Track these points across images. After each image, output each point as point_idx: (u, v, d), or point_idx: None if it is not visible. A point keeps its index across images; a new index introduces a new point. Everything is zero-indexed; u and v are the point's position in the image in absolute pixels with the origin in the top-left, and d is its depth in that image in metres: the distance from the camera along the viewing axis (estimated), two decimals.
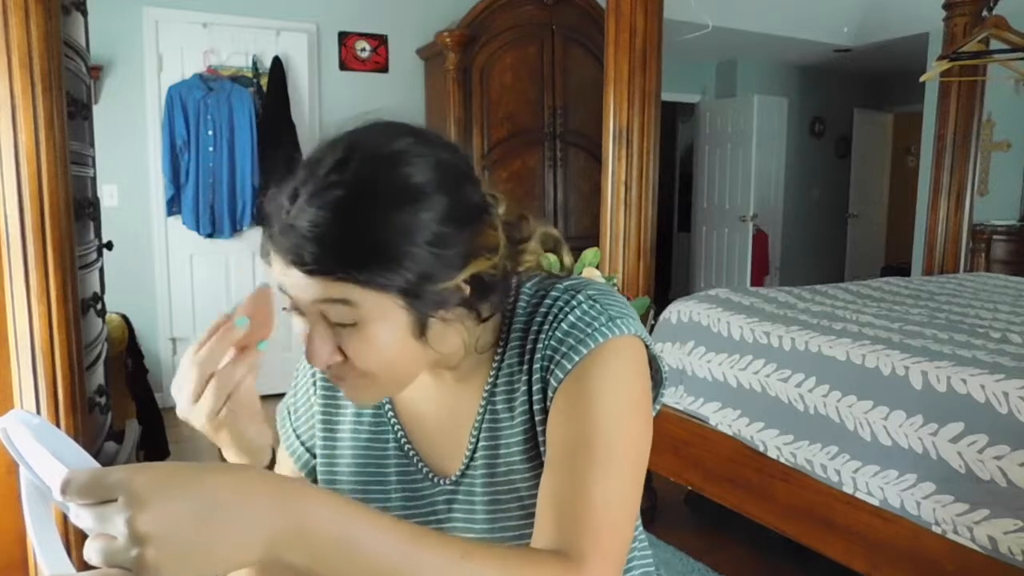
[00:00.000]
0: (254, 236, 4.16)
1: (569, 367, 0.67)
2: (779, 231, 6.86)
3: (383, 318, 0.63)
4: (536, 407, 0.70)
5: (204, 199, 3.98)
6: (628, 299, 2.72)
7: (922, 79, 3.69)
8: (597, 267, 2.72)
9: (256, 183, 4.06)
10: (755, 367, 2.18)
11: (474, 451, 0.75)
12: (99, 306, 1.91)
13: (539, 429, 0.71)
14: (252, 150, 4.02)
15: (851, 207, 7.46)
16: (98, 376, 1.85)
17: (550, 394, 0.68)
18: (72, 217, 1.56)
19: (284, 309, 0.68)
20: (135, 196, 3.99)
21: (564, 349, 0.68)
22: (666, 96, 3.01)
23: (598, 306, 0.70)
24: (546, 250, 0.77)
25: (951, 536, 1.64)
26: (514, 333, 0.74)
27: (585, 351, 0.67)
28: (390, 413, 0.80)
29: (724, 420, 2.26)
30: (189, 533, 0.44)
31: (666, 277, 7.31)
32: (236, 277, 4.25)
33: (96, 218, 1.98)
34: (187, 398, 0.66)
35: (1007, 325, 2.23)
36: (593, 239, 2.90)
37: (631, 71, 2.65)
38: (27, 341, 1.50)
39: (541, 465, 0.69)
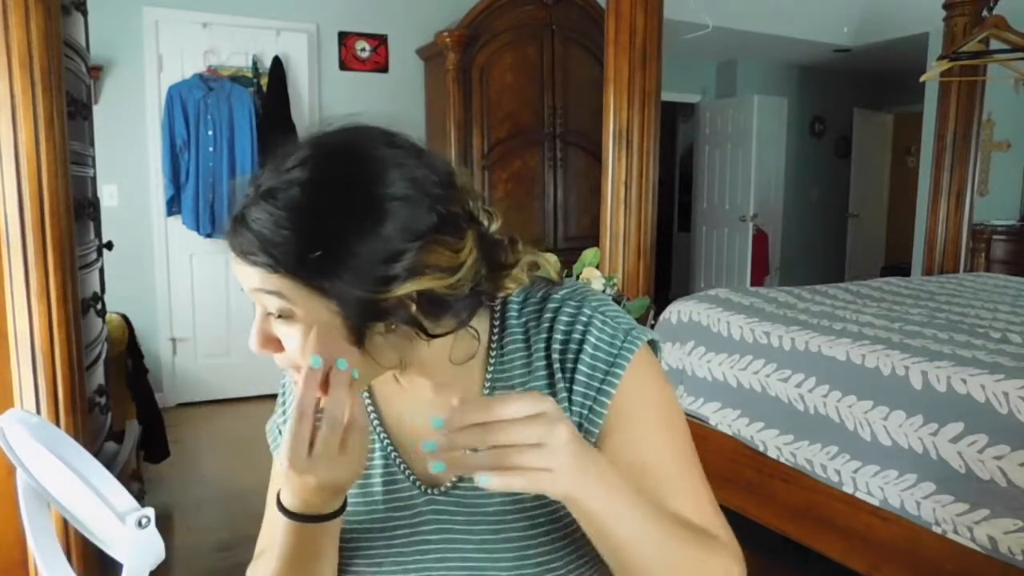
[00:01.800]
0: None
1: (607, 402, 0.70)
2: (779, 231, 6.85)
3: (316, 320, 0.62)
4: None
5: (204, 199, 3.98)
6: (628, 299, 2.72)
7: (922, 79, 3.68)
8: (597, 267, 2.72)
9: None
10: (755, 367, 2.18)
11: None
12: (99, 306, 1.91)
13: None
14: (252, 150, 4.02)
15: (851, 207, 7.46)
16: (98, 376, 1.85)
17: (595, 432, 0.71)
18: (72, 217, 1.56)
19: (242, 290, 0.68)
20: (135, 196, 3.99)
21: (599, 376, 0.70)
22: (666, 96, 3.01)
23: (611, 323, 0.72)
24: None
25: (951, 536, 1.64)
26: (510, 343, 0.73)
27: (617, 383, 0.70)
28: (376, 421, 0.79)
29: (724, 420, 2.26)
30: (585, 453, 0.57)
31: (666, 277, 7.31)
32: (236, 277, 4.24)
33: (96, 218, 1.98)
34: (299, 451, 0.61)
35: (1007, 325, 2.23)
36: (593, 239, 2.90)
37: (631, 71, 2.65)
38: (27, 341, 1.50)
39: None
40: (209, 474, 3.20)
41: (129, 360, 2.74)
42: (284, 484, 0.65)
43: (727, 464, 2.24)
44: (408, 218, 0.61)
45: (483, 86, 4.25)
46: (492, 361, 0.74)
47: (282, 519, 0.66)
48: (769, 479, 2.12)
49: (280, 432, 0.86)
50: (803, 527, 2.04)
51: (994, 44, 3.38)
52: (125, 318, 2.79)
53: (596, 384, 0.70)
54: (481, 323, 0.73)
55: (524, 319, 0.74)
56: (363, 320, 0.62)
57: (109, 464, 1.83)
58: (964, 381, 1.67)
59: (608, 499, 0.59)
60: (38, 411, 1.51)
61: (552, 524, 0.71)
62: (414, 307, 0.63)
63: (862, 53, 6.15)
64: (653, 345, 0.75)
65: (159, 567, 0.60)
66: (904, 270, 5.84)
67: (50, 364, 1.52)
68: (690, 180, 7.19)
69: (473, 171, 4.26)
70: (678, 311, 2.54)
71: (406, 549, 0.74)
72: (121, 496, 0.57)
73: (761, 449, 2.14)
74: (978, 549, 1.59)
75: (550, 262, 0.79)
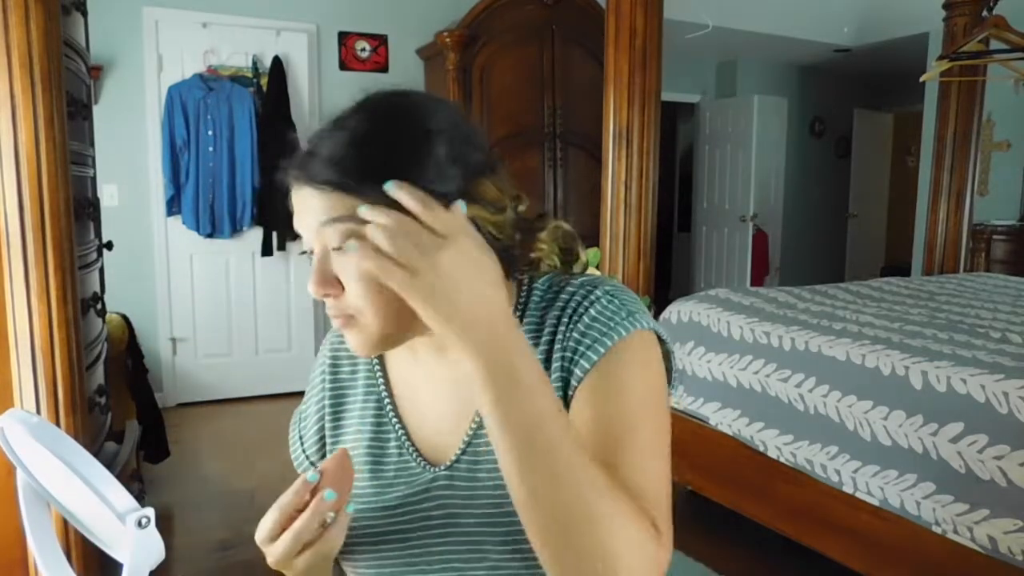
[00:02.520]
0: (254, 236, 4.16)
1: (595, 358, 0.69)
2: (779, 231, 6.85)
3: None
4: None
5: (204, 199, 3.98)
6: None
7: (922, 79, 3.69)
8: (597, 267, 2.72)
9: (256, 183, 4.06)
10: (755, 367, 2.18)
11: (470, 440, 0.75)
12: (99, 306, 1.91)
13: None
14: (252, 150, 4.02)
15: (851, 207, 7.46)
16: (98, 376, 1.85)
17: (573, 383, 0.70)
18: (72, 217, 1.56)
19: (302, 253, 0.71)
20: (135, 196, 3.99)
21: (587, 342, 0.70)
22: (666, 96, 3.01)
23: (616, 301, 0.72)
24: (561, 247, 0.80)
25: (951, 536, 1.64)
26: (527, 326, 0.75)
27: (609, 343, 0.69)
28: (390, 411, 0.81)
29: (724, 420, 2.26)
30: (468, 273, 0.58)
31: (666, 277, 7.31)
32: (236, 277, 4.25)
33: (96, 218, 1.98)
34: (283, 557, 0.66)
35: (1007, 325, 2.23)
36: (593, 239, 2.90)
37: (631, 71, 2.65)
38: (27, 341, 1.50)
39: None
40: (209, 474, 3.20)
41: (129, 360, 2.75)
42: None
43: (727, 464, 2.25)
44: (460, 152, 0.67)
45: (483, 86, 4.25)
46: None
47: None
48: (769, 479, 2.12)
49: (299, 419, 0.89)
50: (803, 527, 2.04)
51: (994, 44, 3.38)
52: (125, 318, 2.79)
53: (583, 348, 0.70)
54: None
55: (544, 304, 0.76)
56: None
57: (109, 464, 1.83)
58: (964, 381, 1.67)
59: (488, 355, 0.57)
60: (38, 411, 1.51)
61: None
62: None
63: (862, 53, 6.15)
64: (664, 347, 0.75)
65: (159, 567, 0.60)
66: (904, 270, 5.84)
67: (50, 364, 1.52)
68: (690, 180, 7.19)
69: None
70: (678, 311, 2.54)
71: (410, 526, 0.76)
72: (121, 496, 0.57)
73: (761, 449, 2.14)
74: (978, 549, 1.59)
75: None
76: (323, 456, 0.85)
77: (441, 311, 0.57)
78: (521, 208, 0.73)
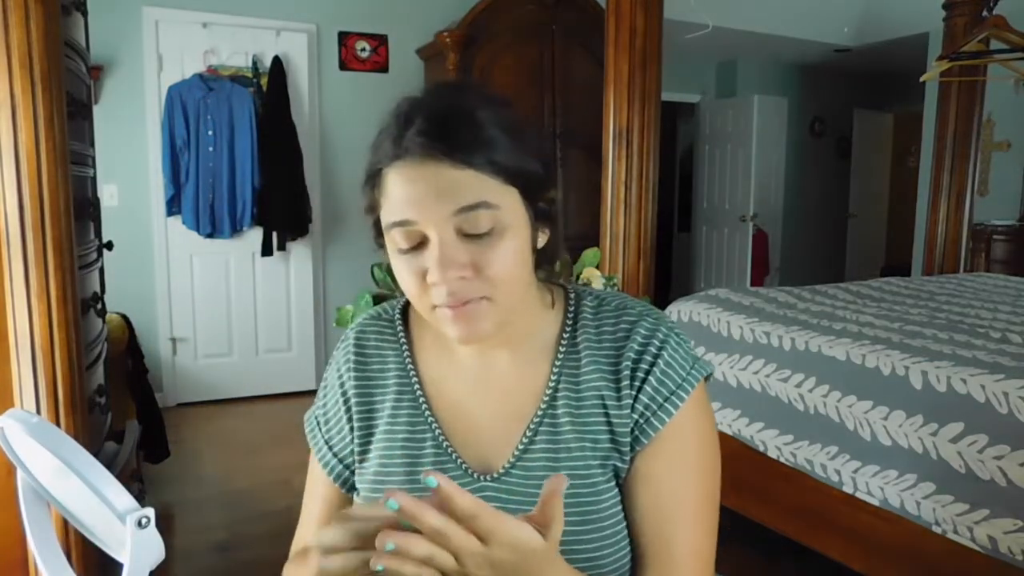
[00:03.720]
0: (254, 236, 4.16)
1: (666, 419, 0.74)
2: (779, 231, 6.85)
3: (514, 223, 0.69)
4: (619, 428, 0.75)
5: (204, 199, 3.98)
6: None
7: (922, 79, 3.68)
8: (597, 267, 2.72)
9: (256, 183, 4.06)
10: (755, 367, 2.18)
11: (525, 449, 0.75)
12: (99, 306, 1.91)
13: (616, 443, 0.75)
14: (252, 150, 4.02)
15: (851, 207, 7.46)
16: (98, 376, 1.85)
17: (643, 440, 0.74)
18: (72, 217, 1.56)
19: (400, 251, 0.70)
20: (135, 196, 3.99)
21: (659, 400, 0.74)
22: (666, 96, 3.01)
23: (683, 348, 0.78)
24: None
25: (951, 536, 1.64)
26: (585, 338, 0.78)
27: (680, 403, 0.74)
28: (427, 412, 0.79)
29: (724, 420, 2.26)
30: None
31: (666, 277, 7.31)
32: (236, 277, 4.25)
33: (96, 218, 1.98)
34: (328, 545, 0.59)
35: (1007, 325, 2.23)
36: (593, 239, 2.90)
37: (631, 71, 2.65)
38: (27, 341, 1.50)
39: (609, 477, 0.75)
40: (209, 474, 3.20)
41: (129, 360, 2.74)
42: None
43: (727, 464, 2.23)
44: (536, 139, 0.74)
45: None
46: (562, 350, 0.78)
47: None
48: (769, 479, 2.12)
49: (318, 424, 0.85)
50: (803, 527, 2.04)
51: (994, 44, 3.38)
52: (125, 318, 2.79)
53: (660, 400, 0.74)
54: (556, 313, 0.80)
55: (599, 320, 0.79)
56: (535, 215, 0.72)
57: (109, 464, 1.83)
58: (964, 381, 1.67)
59: None
60: (38, 411, 1.51)
61: (601, 518, 0.73)
62: (551, 215, 0.75)
63: (862, 53, 6.15)
64: (707, 378, 0.80)
65: (159, 567, 0.60)
66: (904, 270, 5.84)
67: (50, 364, 1.52)
68: (690, 180, 7.19)
69: None
70: (678, 311, 2.54)
71: None
72: (121, 496, 0.57)
73: (761, 449, 2.14)
74: (978, 549, 1.59)
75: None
76: (358, 456, 0.81)
77: None
78: (556, 206, 0.78)
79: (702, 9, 4.58)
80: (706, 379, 0.78)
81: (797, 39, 5.71)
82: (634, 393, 0.74)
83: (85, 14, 1.95)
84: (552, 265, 0.79)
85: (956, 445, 1.63)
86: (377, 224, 0.73)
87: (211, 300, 4.21)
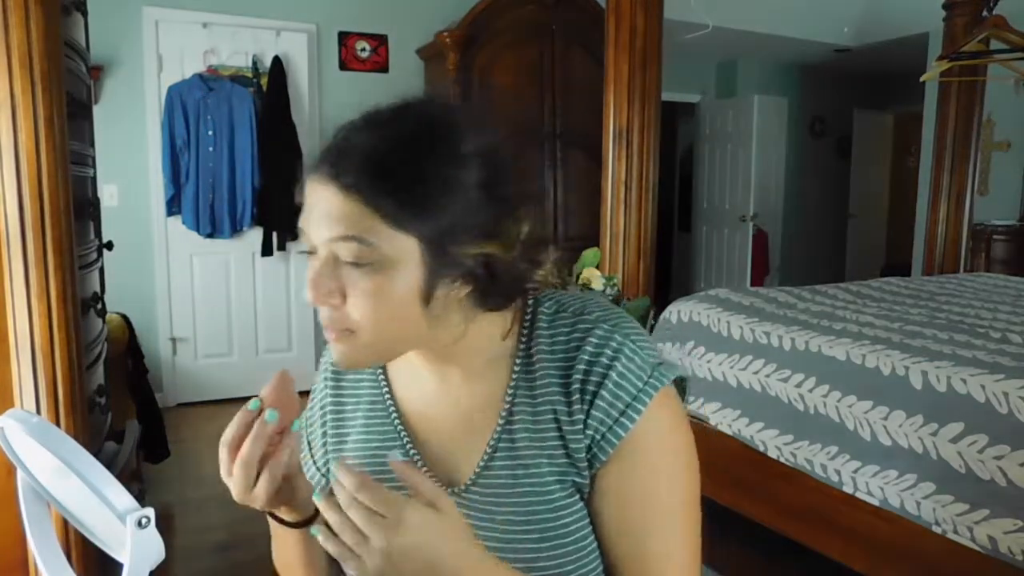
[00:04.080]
0: (254, 236, 4.16)
1: (622, 434, 0.69)
2: (779, 231, 6.85)
3: (396, 266, 0.64)
4: (573, 445, 0.71)
5: (204, 199, 3.98)
6: (628, 299, 2.72)
7: (922, 79, 3.69)
8: (597, 267, 2.72)
9: (256, 183, 4.06)
10: (755, 367, 2.18)
11: (486, 466, 0.74)
12: (99, 306, 1.91)
13: (572, 459, 0.72)
14: (252, 150, 4.02)
15: (851, 207, 7.46)
16: (98, 376, 1.85)
17: (602, 458, 0.71)
18: (72, 217, 1.56)
19: (302, 252, 0.70)
20: (135, 196, 3.99)
21: (615, 413, 0.70)
22: (666, 96, 3.01)
23: (639, 356, 0.71)
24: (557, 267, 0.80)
25: (951, 536, 1.64)
26: (539, 350, 0.74)
27: (636, 417, 0.69)
28: (397, 423, 0.79)
29: (724, 420, 2.26)
30: (427, 566, 0.59)
31: (666, 277, 7.31)
32: (236, 277, 4.25)
33: (96, 218, 1.98)
34: (241, 490, 0.68)
35: (1007, 325, 2.23)
36: (593, 239, 2.90)
37: (631, 71, 2.65)
38: (27, 341, 1.50)
39: (571, 493, 0.72)
40: (209, 474, 3.20)
41: (129, 360, 2.74)
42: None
43: (727, 464, 2.24)
44: (490, 183, 0.66)
45: (483, 86, 4.25)
46: (518, 364, 0.74)
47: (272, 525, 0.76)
48: (769, 479, 2.12)
49: (304, 435, 0.87)
50: (803, 527, 2.04)
51: (994, 44, 3.38)
52: (125, 318, 2.79)
53: (616, 414, 0.70)
54: (512, 324, 0.75)
55: (554, 329, 0.74)
56: (442, 270, 0.66)
57: (109, 464, 1.83)
58: (964, 381, 1.67)
59: None
60: (38, 411, 1.51)
61: (561, 535, 0.71)
62: (482, 270, 0.67)
63: (862, 53, 6.15)
64: (681, 382, 0.75)
65: (159, 567, 0.60)
66: (904, 270, 5.83)
67: (50, 364, 1.52)
68: (690, 180, 7.19)
69: None
70: (678, 311, 2.54)
71: None
72: (121, 496, 0.57)
73: (761, 449, 2.14)
74: (978, 549, 1.59)
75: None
76: (328, 462, 0.84)
77: None
78: (526, 228, 0.71)
79: (702, 9, 4.58)
80: (678, 381, 0.74)
81: (797, 39, 5.70)
82: (586, 408, 0.70)
83: (85, 14, 1.95)
84: (500, 307, 0.73)
85: (956, 445, 1.63)
86: None
87: (211, 300, 4.20)
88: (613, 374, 0.70)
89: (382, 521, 0.58)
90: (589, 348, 0.71)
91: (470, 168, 0.65)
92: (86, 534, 0.66)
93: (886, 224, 7.89)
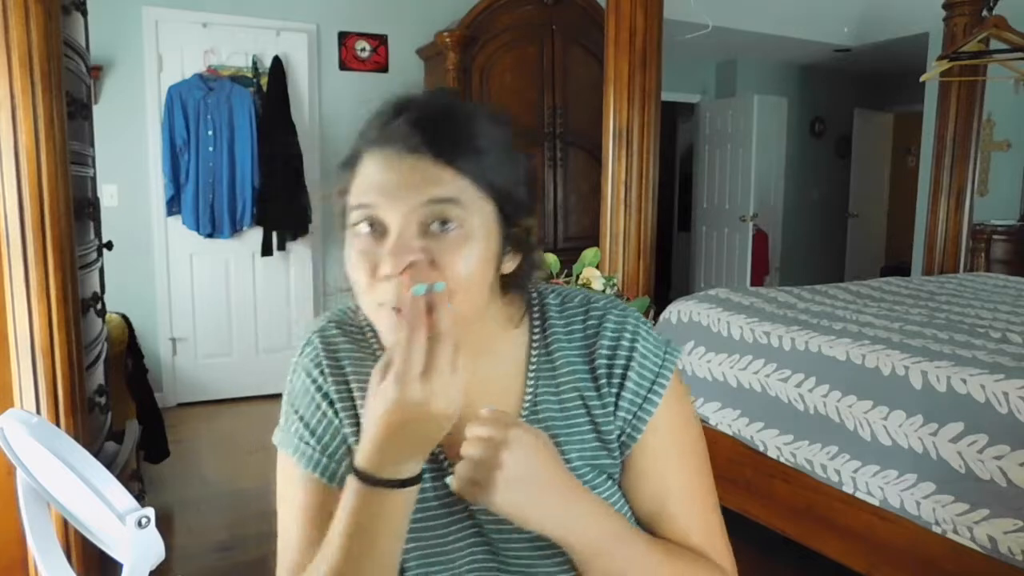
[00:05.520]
0: (254, 236, 4.16)
1: (652, 411, 0.74)
2: (779, 231, 6.85)
3: (481, 234, 0.66)
4: (604, 427, 0.75)
5: (204, 199, 3.98)
6: (628, 300, 2.72)
7: (922, 79, 3.69)
8: (597, 267, 2.72)
9: (256, 183, 4.06)
10: (755, 367, 2.18)
11: None
12: (99, 306, 1.91)
13: (603, 441, 0.75)
14: (252, 150, 4.02)
15: (851, 207, 7.46)
16: (98, 376, 1.85)
17: (640, 428, 0.74)
18: (72, 217, 1.56)
19: (356, 241, 0.66)
20: (135, 196, 3.99)
21: (644, 390, 0.74)
22: (666, 96, 3.01)
23: (652, 333, 0.77)
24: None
25: (951, 536, 1.64)
26: (556, 339, 0.76)
27: (663, 392, 0.75)
28: None
29: (724, 420, 2.26)
30: (534, 476, 0.64)
31: (666, 277, 7.31)
32: (236, 277, 4.25)
33: (96, 218, 1.98)
34: (447, 370, 0.60)
35: (1007, 325, 2.23)
36: (593, 239, 2.90)
37: (631, 71, 2.65)
38: (27, 341, 1.50)
39: (603, 479, 0.74)
40: (209, 474, 3.20)
41: (129, 360, 2.74)
42: (367, 445, 0.61)
43: (727, 464, 2.24)
44: (528, 163, 0.73)
45: (483, 86, 4.25)
46: (535, 355, 0.76)
47: (356, 495, 0.62)
48: (769, 479, 2.12)
49: (304, 442, 0.76)
50: (803, 527, 2.04)
51: (994, 44, 3.38)
52: (125, 318, 2.79)
53: (643, 394, 0.74)
54: (523, 321, 0.78)
55: (566, 319, 0.77)
56: (506, 235, 0.69)
57: (109, 464, 1.83)
58: (964, 381, 1.67)
59: (568, 527, 0.65)
60: (38, 411, 1.51)
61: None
62: (528, 241, 0.72)
63: (862, 53, 6.15)
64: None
65: (159, 567, 0.60)
66: (904, 270, 5.84)
67: (50, 364, 1.52)
68: (690, 180, 7.19)
69: None
70: (678, 311, 2.54)
71: (442, 540, 0.73)
72: (121, 496, 0.57)
73: (761, 449, 2.14)
74: (978, 549, 1.59)
75: (549, 262, 0.83)
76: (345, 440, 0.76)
77: (515, 507, 0.64)
78: (533, 236, 0.75)
79: (702, 9, 4.59)
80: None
81: (797, 39, 5.71)
82: (615, 391, 0.74)
83: (85, 14, 1.95)
84: (520, 291, 0.76)
85: (956, 445, 1.63)
86: (343, 212, 0.69)
87: (211, 300, 4.20)
88: (636, 355, 0.74)
89: (494, 441, 0.62)
90: (608, 333, 0.75)
91: (520, 151, 0.71)
92: (86, 534, 0.66)
93: (886, 224, 7.89)
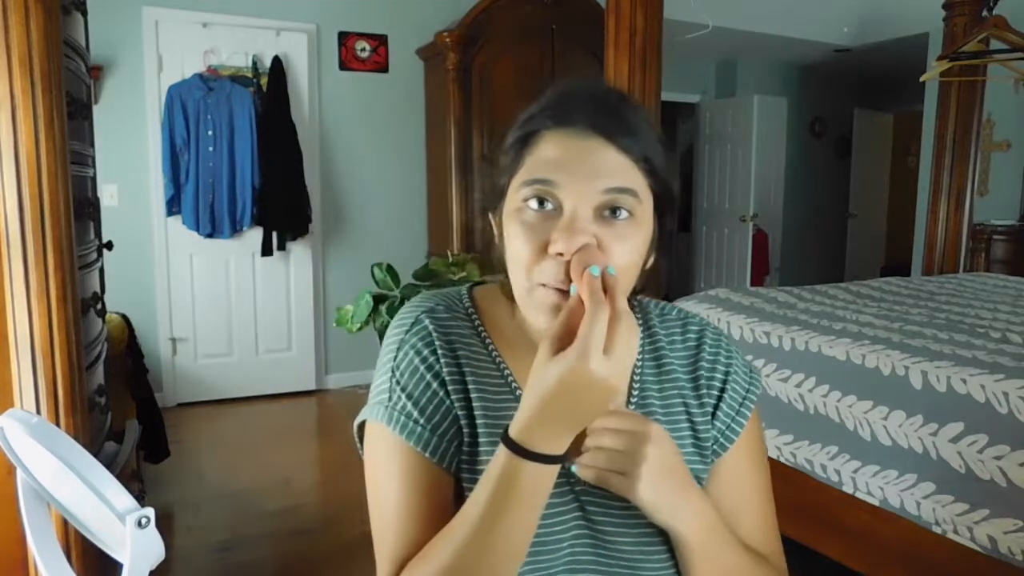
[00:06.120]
0: (254, 236, 4.16)
1: (744, 423, 0.82)
2: (779, 231, 6.86)
3: (644, 225, 0.69)
4: (702, 433, 0.80)
5: (204, 199, 3.98)
6: None
7: (922, 79, 3.69)
8: None
9: (256, 183, 4.06)
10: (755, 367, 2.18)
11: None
12: (99, 306, 1.91)
13: (699, 447, 0.80)
14: (252, 150, 4.02)
15: (851, 207, 7.47)
16: (98, 376, 1.85)
17: (732, 438, 0.81)
18: (72, 217, 1.56)
19: (523, 218, 0.67)
20: (135, 196, 3.99)
21: (737, 404, 0.82)
22: (666, 96, 3.00)
23: (742, 357, 0.86)
24: None
25: (951, 536, 1.64)
26: (660, 346, 0.82)
27: (752, 407, 0.83)
28: (520, 394, 0.76)
29: None
30: (671, 469, 0.69)
31: (666, 277, 7.30)
32: (236, 277, 4.25)
33: (96, 218, 1.98)
34: (630, 345, 0.61)
35: (1007, 325, 2.23)
36: None
37: (631, 71, 2.65)
38: (27, 341, 1.50)
39: (693, 475, 0.76)
40: (209, 474, 3.20)
41: (129, 360, 2.74)
42: (527, 416, 0.61)
43: None
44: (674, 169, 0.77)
45: (483, 86, 4.25)
46: (640, 356, 0.81)
47: (506, 466, 0.62)
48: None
49: (412, 420, 0.73)
50: (803, 527, 2.04)
51: (994, 44, 3.38)
52: (125, 318, 2.79)
53: (736, 406, 0.81)
54: (637, 316, 0.83)
55: (667, 329, 0.84)
56: (657, 237, 0.73)
57: (109, 464, 1.83)
58: (964, 381, 1.67)
59: (684, 518, 0.69)
60: (38, 411, 1.51)
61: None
62: (667, 241, 0.75)
63: (862, 53, 6.15)
64: None
65: (159, 567, 0.60)
66: (904, 270, 5.84)
67: (50, 364, 1.52)
68: (690, 180, 7.19)
69: (473, 171, 4.26)
70: None
71: (548, 528, 0.72)
72: (121, 496, 0.57)
73: None
74: (978, 549, 1.59)
75: None
76: (466, 445, 0.74)
77: (653, 497, 0.68)
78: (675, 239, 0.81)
79: (702, 9, 4.59)
80: None
81: (797, 39, 5.71)
82: (714, 402, 0.81)
83: (85, 14, 1.95)
84: (649, 290, 0.80)
85: (956, 445, 1.63)
86: (503, 190, 0.72)
87: (211, 300, 4.21)
88: (732, 372, 0.82)
89: (637, 434, 0.66)
90: (708, 347, 0.83)
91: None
92: (86, 534, 0.66)
93: (886, 224, 7.89)
